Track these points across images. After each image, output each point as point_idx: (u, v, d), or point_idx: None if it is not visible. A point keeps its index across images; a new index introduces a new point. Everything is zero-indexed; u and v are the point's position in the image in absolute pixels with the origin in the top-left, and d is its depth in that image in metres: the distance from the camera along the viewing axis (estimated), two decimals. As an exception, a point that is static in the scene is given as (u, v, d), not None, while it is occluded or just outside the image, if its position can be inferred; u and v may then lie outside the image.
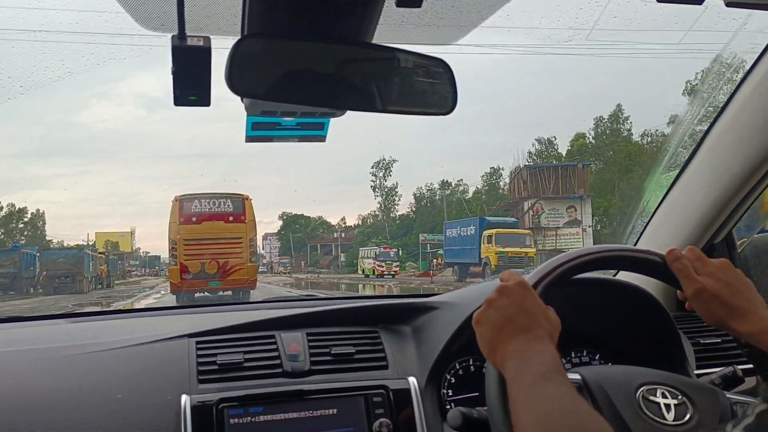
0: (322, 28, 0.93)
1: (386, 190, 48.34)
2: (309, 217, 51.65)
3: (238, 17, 0.95)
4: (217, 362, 1.18)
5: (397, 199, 48.77)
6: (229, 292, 14.89)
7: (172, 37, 0.93)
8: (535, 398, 0.73)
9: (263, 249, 46.41)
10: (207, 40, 0.93)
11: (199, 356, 1.19)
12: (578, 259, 0.99)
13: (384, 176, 48.03)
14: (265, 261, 44.96)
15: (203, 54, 0.92)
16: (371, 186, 48.39)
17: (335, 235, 46.76)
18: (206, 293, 14.65)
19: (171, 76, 0.95)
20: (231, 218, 15.00)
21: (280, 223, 51.90)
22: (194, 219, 14.82)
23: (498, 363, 0.83)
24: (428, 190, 47.83)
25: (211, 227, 14.71)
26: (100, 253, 28.55)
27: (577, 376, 0.96)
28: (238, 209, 15.09)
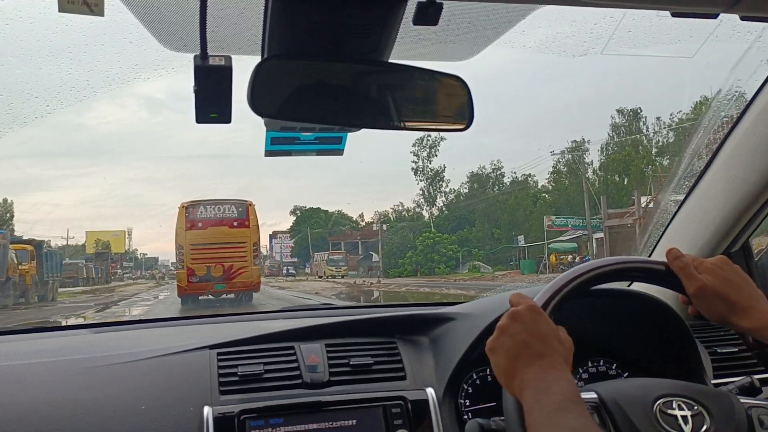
0: (341, 47, 0.95)
1: (431, 173, 39.84)
2: (327, 210, 44.37)
3: (258, 36, 0.96)
4: (238, 373, 1.19)
5: (444, 184, 40.39)
6: (232, 295, 15.07)
7: (195, 56, 0.94)
8: (554, 429, 0.73)
9: (272, 249, 41.57)
10: (228, 59, 0.95)
11: (220, 367, 1.21)
12: (584, 275, 0.99)
13: (428, 157, 39.57)
14: (275, 260, 40.93)
15: (225, 73, 0.94)
16: (412, 168, 40.14)
17: (374, 229, 39.35)
18: (210, 296, 14.85)
19: (193, 94, 0.97)
20: (235, 223, 15.37)
21: (293, 219, 45.02)
22: (200, 224, 15.20)
23: (515, 391, 0.82)
24: (494, 170, 39.54)
25: (216, 232, 15.06)
26: (17, 243, 17.22)
27: (593, 395, 0.95)
28: (242, 215, 15.47)
